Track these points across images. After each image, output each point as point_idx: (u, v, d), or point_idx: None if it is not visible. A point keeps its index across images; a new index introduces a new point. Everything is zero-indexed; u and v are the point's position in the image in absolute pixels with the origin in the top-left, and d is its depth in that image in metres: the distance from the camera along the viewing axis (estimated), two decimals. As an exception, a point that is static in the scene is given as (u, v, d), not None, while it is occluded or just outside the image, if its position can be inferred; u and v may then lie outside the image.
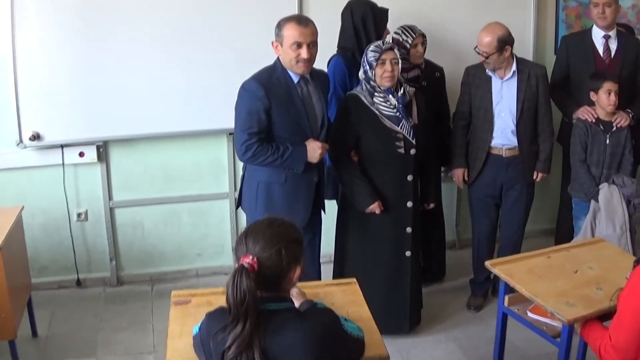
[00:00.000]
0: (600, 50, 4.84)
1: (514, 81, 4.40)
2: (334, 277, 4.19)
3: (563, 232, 5.08)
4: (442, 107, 4.83)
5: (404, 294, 4.14)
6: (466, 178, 4.62)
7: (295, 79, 3.71)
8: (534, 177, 4.59)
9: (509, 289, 3.36)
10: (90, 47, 4.52)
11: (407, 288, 4.13)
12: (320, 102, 3.85)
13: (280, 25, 3.63)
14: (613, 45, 4.85)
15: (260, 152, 3.63)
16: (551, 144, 4.58)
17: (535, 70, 4.47)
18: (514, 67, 4.38)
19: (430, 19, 4.95)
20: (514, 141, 4.45)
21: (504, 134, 4.45)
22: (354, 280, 3.08)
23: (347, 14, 4.33)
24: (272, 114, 3.64)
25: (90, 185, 4.86)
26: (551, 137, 4.58)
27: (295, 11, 4.67)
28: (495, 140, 4.46)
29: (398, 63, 3.86)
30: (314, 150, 3.73)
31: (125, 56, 4.57)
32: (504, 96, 4.41)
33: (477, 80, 4.50)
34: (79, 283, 4.98)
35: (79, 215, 4.89)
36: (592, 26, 4.93)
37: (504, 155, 4.47)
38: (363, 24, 4.27)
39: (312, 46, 3.63)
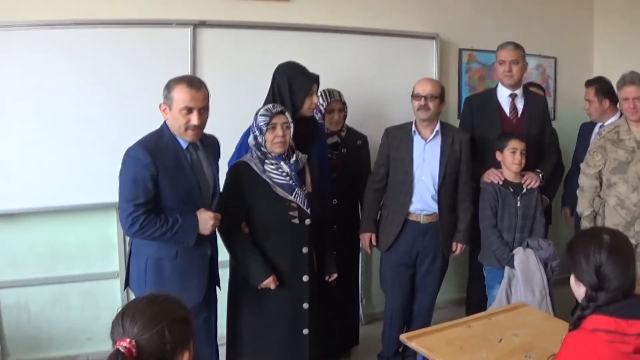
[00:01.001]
0: (507, 109, 4.77)
1: (437, 143, 4.31)
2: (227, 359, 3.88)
3: (474, 302, 4.90)
4: (363, 176, 4.67)
5: (302, 376, 3.82)
6: (374, 242, 4.47)
7: (184, 145, 3.45)
8: (453, 248, 4.48)
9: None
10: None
11: (305, 369, 3.82)
12: (210, 169, 3.61)
13: (169, 87, 3.38)
14: (520, 105, 4.78)
15: (147, 225, 3.31)
16: (471, 213, 4.48)
17: (459, 136, 4.39)
18: (437, 127, 4.29)
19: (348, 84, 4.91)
20: (433, 207, 4.32)
21: (423, 199, 4.31)
22: None
23: (273, 78, 4.12)
24: (159, 183, 3.35)
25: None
26: (471, 207, 4.47)
27: (188, 71, 4.50)
28: (414, 205, 4.33)
29: (290, 127, 3.66)
30: (206, 220, 3.45)
31: (3, 127, 4.30)
32: (426, 159, 4.30)
33: (397, 141, 4.37)
34: (-40, 372, 4.55)
35: (-40, 297, 4.50)
36: (497, 85, 4.86)
37: (421, 222, 4.33)
38: (279, 89, 4.04)
39: (203, 112, 3.40)
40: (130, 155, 3.37)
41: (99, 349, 4.71)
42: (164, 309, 1.93)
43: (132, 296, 4.25)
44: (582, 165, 4.64)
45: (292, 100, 3.99)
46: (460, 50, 5.65)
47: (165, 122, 3.46)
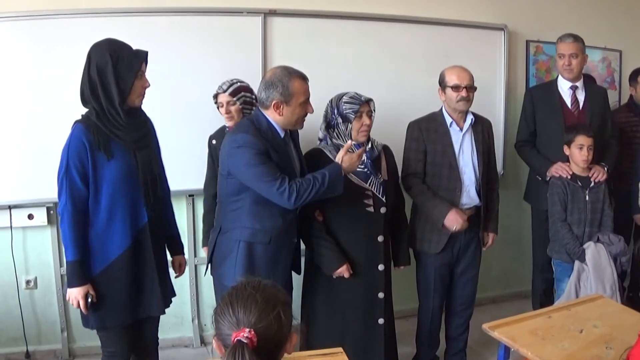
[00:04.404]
0: (568, 101, 4.70)
1: (471, 133, 4.14)
2: (301, 347, 3.82)
3: (539, 294, 4.85)
4: None
5: (377, 366, 3.76)
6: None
7: (282, 134, 3.43)
8: (487, 239, 4.34)
9: (508, 355, 3.12)
10: (31, 105, 4.24)
11: (380, 359, 3.77)
12: (297, 158, 3.58)
13: (284, 83, 3.32)
14: (581, 96, 4.71)
15: (301, 189, 3.24)
16: (498, 200, 4.39)
17: (485, 122, 4.27)
18: (471, 116, 4.12)
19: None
20: (475, 200, 4.14)
21: (467, 193, 4.11)
22: (341, 349, 2.81)
23: (85, 64, 3.11)
24: None
25: (39, 249, 4.53)
26: (498, 194, 4.38)
27: (259, 60, 4.57)
28: (461, 200, 4.11)
29: (372, 116, 3.65)
30: (350, 158, 3.39)
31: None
32: (465, 149, 4.10)
33: (432, 135, 4.11)
34: (28, 356, 4.58)
35: (27, 282, 4.54)
36: (557, 77, 4.78)
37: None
38: (98, 72, 3.05)
39: None
40: (242, 145, 3.29)
41: (167, 337, 4.74)
42: (271, 293, 1.87)
43: (202, 284, 4.28)
44: None
45: (117, 84, 3.07)
46: (528, 42, 5.56)
47: (262, 114, 3.41)
